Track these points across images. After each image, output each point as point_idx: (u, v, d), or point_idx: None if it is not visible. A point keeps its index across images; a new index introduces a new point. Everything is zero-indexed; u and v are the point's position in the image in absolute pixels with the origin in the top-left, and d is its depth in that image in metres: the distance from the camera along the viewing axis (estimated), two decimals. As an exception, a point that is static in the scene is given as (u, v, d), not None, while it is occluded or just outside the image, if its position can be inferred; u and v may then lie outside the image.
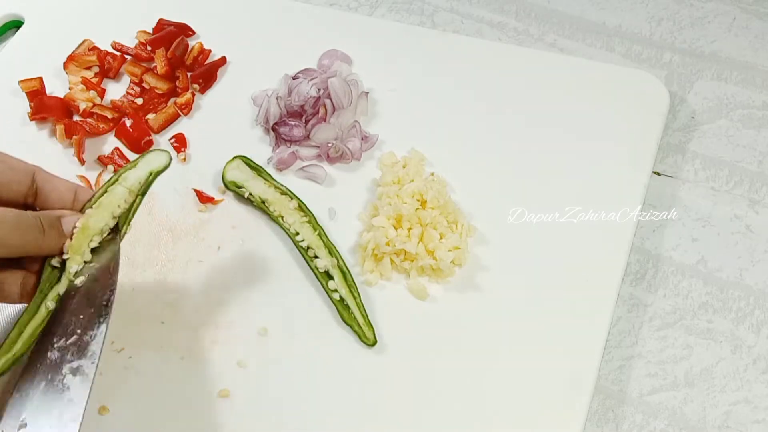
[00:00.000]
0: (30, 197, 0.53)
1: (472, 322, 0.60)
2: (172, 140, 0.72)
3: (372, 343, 0.59)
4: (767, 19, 0.82)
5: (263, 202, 0.66)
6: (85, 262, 0.53)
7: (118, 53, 0.78)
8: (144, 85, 0.75)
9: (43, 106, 0.73)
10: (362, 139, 0.70)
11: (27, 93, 0.74)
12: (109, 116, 0.73)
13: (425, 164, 0.69)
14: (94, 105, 0.73)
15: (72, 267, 0.52)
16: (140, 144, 0.71)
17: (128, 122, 0.72)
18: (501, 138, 0.71)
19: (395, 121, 0.73)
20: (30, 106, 0.73)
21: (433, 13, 0.85)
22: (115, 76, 0.77)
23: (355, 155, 0.70)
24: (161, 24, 0.80)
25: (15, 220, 0.50)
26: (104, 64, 0.77)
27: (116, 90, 0.76)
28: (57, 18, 0.82)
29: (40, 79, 0.75)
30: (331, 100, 0.71)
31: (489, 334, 0.59)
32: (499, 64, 0.76)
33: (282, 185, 0.67)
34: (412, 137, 0.71)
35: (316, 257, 0.62)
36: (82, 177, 0.69)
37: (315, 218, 0.65)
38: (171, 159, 0.56)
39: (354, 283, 0.61)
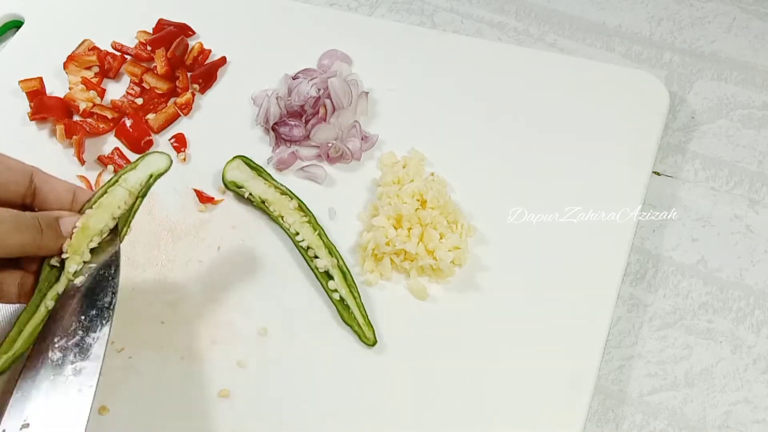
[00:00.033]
0: (28, 198, 0.53)
1: (472, 322, 0.60)
2: (172, 140, 0.72)
3: (372, 343, 0.59)
4: (767, 19, 0.82)
5: (263, 202, 0.66)
6: (85, 263, 0.53)
7: (118, 53, 0.78)
8: (144, 85, 0.75)
9: (43, 106, 0.73)
10: (362, 139, 0.70)
11: (27, 93, 0.74)
12: (109, 116, 0.73)
13: (425, 164, 0.69)
14: (94, 105, 0.73)
15: (71, 266, 0.52)
16: (140, 144, 0.71)
17: (128, 122, 0.72)
18: (501, 138, 0.71)
19: (395, 121, 0.73)
20: (30, 106, 0.73)
21: (433, 13, 0.85)
22: (115, 76, 0.77)
23: (355, 155, 0.70)
24: (161, 24, 0.80)
25: (13, 220, 0.50)
26: (104, 64, 0.77)
27: (116, 90, 0.76)
28: (57, 18, 0.82)
29: (40, 79, 0.75)
30: (331, 100, 0.71)
31: (489, 334, 0.59)
32: (499, 64, 0.76)
33: (282, 185, 0.67)
34: (412, 137, 0.71)
35: (316, 257, 0.62)
36: (82, 177, 0.69)
37: (315, 218, 0.65)
38: (171, 162, 0.56)
39: (354, 283, 0.61)
